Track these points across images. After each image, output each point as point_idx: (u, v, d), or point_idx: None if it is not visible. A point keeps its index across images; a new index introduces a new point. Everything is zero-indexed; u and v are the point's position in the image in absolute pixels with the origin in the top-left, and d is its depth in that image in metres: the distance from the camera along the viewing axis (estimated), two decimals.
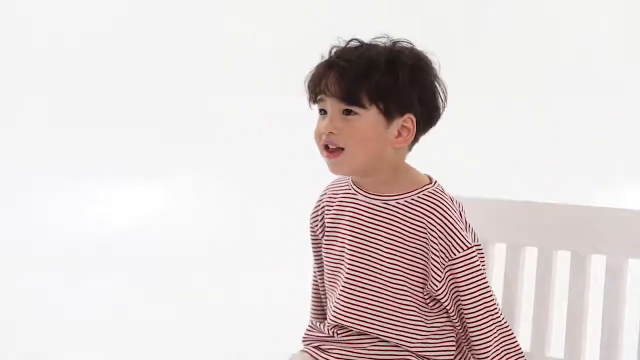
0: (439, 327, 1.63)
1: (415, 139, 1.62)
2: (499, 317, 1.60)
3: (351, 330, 1.64)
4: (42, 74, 4.23)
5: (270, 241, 4.01)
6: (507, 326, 1.62)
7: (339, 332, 1.65)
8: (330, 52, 1.61)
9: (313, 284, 1.82)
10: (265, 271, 3.85)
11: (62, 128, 4.23)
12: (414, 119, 1.58)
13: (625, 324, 1.69)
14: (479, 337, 1.60)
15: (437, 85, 1.62)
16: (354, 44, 1.61)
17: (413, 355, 1.62)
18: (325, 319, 1.73)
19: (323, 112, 1.61)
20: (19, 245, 3.93)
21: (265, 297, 3.67)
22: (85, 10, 4.31)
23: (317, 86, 1.60)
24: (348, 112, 1.57)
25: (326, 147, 1.59)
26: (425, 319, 1.62)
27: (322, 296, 1.79)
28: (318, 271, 1.78)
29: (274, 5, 4.44)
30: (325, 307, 1.78)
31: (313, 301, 1.83)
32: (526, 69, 4.58)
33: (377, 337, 1.63)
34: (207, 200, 4.28)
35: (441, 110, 1.63)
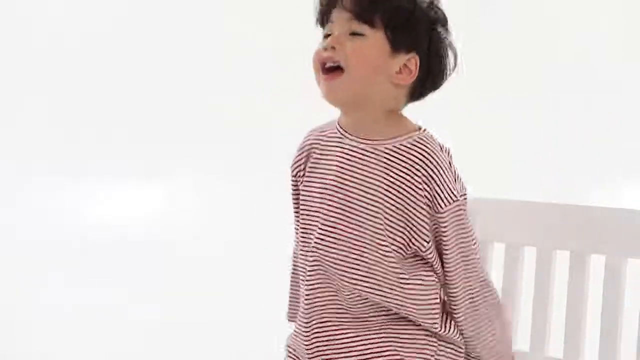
0: (421, 282, 1.54)
1: (415, 93, 1.57)
2: (480, 276, 1.57)
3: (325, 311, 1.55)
4: (42, 73, 4.23)
5: (270, 241, 4.01)
6: (488, 285, 1.59)
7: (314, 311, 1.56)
8: None
9: (293, 269, 1.71)
10: (265, 271, 3.85)
11: (61, 128, 4.23)
12: (418, 62, 1.54)
13: (624, 324, 1.70)
14: (453, 290, 1.56)
15: (449, 45, 1.58)
16: None
17: (394, 317, 1.55)
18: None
19: (328, 37, 1.54)
20: (19, 245, 3.93)
21: (265, 297, 3.66)
22: (85, 10, 4.31)
23: (331, 1, 1.54)
24: (355, 34, 1.51)
25: (324, 68, 1.52)
26: (407, 272, 1.54)
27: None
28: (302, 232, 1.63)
29: (274, 5, 4.44)
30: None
31: (292, 284, 1.71)
32: (525, 68, 4.58)
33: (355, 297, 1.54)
34: (207, 200, 4.28)
35: (447, 73, 1.59)
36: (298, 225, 1.65)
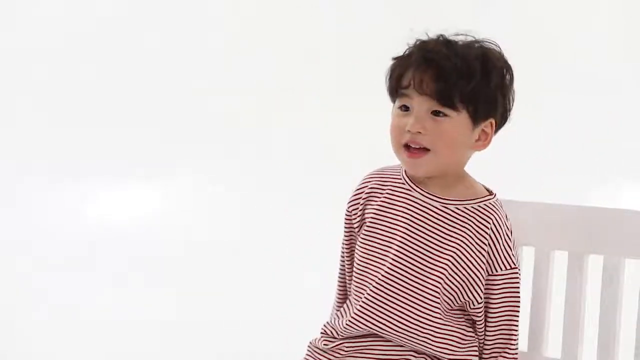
0: (462, 333, 1.60)
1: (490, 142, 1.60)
2: (513, 344, 1.61)
3: (367, 334, 1.60)
4: (40, 73, 4.24)
5: (270, 241, 4.01)
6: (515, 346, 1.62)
7: (353, 335, 1.61)
8: (415, 46, 1.55)
9: (340, 277, 1.74)
10: (265, 271, 3.85)
11: (61, 128, 4.23)
12: (494, 124, 1.57)
13: (622, 324, 1.70)
14: (491, 339, 1.60)
15: (513, 90, 1.60)
16: (442, 40, 1.55)
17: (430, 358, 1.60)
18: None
19: (404, 108, 1.54)
20: (17, 246, 3.93)
21: (265, 297, 3.67)
22: (85, 10, 4.31)
23: (408, 80, 1.53)
24: (437, 113, 1.52)
25: (407, 147, 1.54)
26: (451, 326, 1.59)
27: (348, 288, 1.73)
28: (348, 263, 1.69)
29: (274, 5, 4.44)
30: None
31: (339, 293, 1.75)
32: (524, 68, 4.56)
33: (395, 343, 1.59)
34: (207, 200, 4.28)
35: (511, 112, 1.60)
36: (347, 254, 1.70)
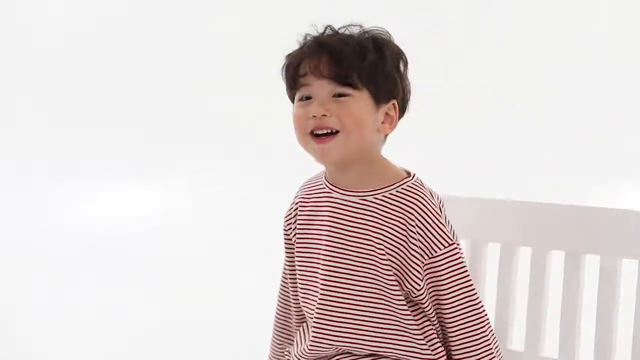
0: (422, 332, 1.53)
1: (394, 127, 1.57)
2: (483, 322, 1.52)
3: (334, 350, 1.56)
4: (40, 73, 4.24)
5: (270, 241, 4.01)
6: (491, 333, 1.54)
7: (321, 357, 1.56)
8: (305, 39, 1.55)
9: (280, 300, 1.72)
10: (265, 271, 3.85)
11: (61, 128, 4.23)
12: (397, 106, 1.54)
13: (619, 324, 1.70)
14: (459, 341, 1.52)
15: (408, 80, 1.58)
16: (329, 31, 1.56)
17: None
18: (290, 337, 1.67)
19: (306, 98, 1.52)
20: (17, 245, 3.94)
21: (265, 297, 3.66)
22: (85, 10, 4.31)
23: (303, 67, 1.52)
24: (339, 95, 1.50)
25: (313, 135, 1.51)
26: (406, 326, 1.53)
27: (290, 309, 1.69)
28: (292, 283, 1.66)
29: (274, 5, 4.44)
30: (290, 325, 1.70)
31: (278, 318, 1.72)
32: (523, 69, 4.58)
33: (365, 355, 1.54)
34: (207, 200, 4.28)
35: (408, 100, 1.59)
36: (289, 272, 1.66)
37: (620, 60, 4.71)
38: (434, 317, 1.54)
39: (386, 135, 1.58)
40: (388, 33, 1.58)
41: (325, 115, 1.49)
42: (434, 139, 4.12)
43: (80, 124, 4.26)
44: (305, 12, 4.50)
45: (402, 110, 1.57)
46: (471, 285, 1.53)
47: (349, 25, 1.57)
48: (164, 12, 4.38)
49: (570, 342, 1.74)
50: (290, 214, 1.64)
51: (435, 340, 1.54)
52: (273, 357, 1.74)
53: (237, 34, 4.42)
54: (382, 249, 1.51)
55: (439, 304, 1.52)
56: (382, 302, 1.52)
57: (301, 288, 1.60)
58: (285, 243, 1.67)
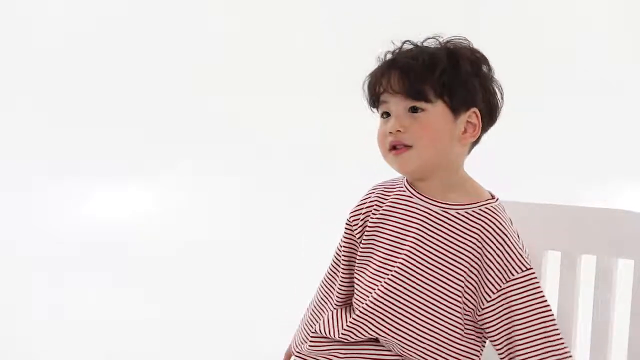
0: (465, 351, 1.54)
1: (478, 139, 1.58)
2: (561, 349, 1.50)
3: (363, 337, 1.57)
4: (40, 73, 4.24)
5: (270, 241, 4.01)
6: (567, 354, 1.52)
7: (351, 339, 1.57)
8: (385, 56, 1.57)
9: (327, 280, 1.71)
10: (265, 271, 3.86)
11: (57, 128, 4.24)
12: (479, 114, 1.54)
13: (615, 324, 1.70)
14: None
15: (495, 81, 1.58)
16: (408, 45, 1.57)
17: None
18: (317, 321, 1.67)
19: (386, 114, 1.55)
20: (17, 245, 3.94)
21: (265, 297, 3.67)
22: (85, 10, 4.31)
23: (379, 86, 1.54)
24: (414, 110, 1.52)
25: (392, 148, 1.53)
26: (454, 342, 1.54)
27: (329, 300, 1.70)
28: (345, 274, 1.66)
29: (275, 5, 4.44)
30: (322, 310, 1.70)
31: (322, 295, 1.72)
32: (521, 69, 4.57)
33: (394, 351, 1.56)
34: (207, 200, 4.29)
35: (501, 105, 1.58)
36: (344, 266, 1.66)
37: (620, 61, 4.70)
38: (498, 343, 1.52)
39: (473, 145, 1.58)
40: (467, 40, 1.57)
41: (399, 130, 1.52)
42: None
43: (80, 124, 4.26)
44: (305, 12, 4.52)
45: (490, 115, 1.57)
46: (550, 311, 1.52)
47: (427, 39, 1.57)
48: (164, 12, 4.38)
49: (567, 342, 1.73)
50: (359, 211, 1.65)
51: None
52: (301, 333, 1.74)
53: (237, 34, 4.42)
54: (454, 265, 1.52)
55: (513, 331, 1.51)
56: (436, 312, 1.53)
57: (359, 279, 1.61)
58: (346, 238, 1.66)
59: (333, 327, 1.61)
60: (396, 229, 1.58)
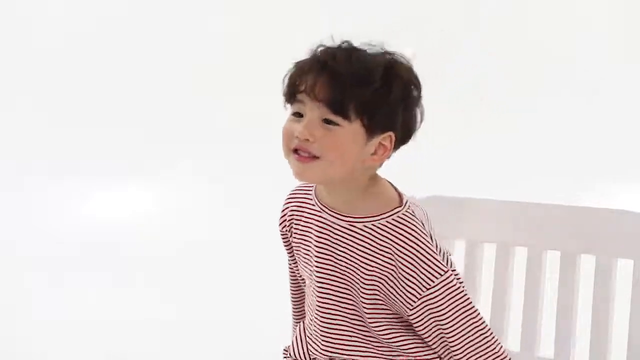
0: (410, 347, 1.52)
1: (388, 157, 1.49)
2: (490, 342, 1.48)
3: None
4: (40, 73, 4.25)
5: (270, 241, 4.01)
6: (500, 346, 1.50)
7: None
8: (316, 51, 1.47)
9: (292, 282, 1.70)
10: (264, 271, 3.86)
11: (57, 128, 4.24)
12: (393, 138, 1.46)
13: (614, 324, 1.70)
14: None
15: (420, 105, 1.49)
16: (345, 46, 1.46)
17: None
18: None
19: (298, 115, 1.45)
20: (17, 245, 3.94)
21: (264, 297, 3.67)
22: (85, 10, 4.32)
23: (302, 85, 1.44)
24: (328, 122, 1.42)
25: (295, 151, 1.44)
26: (404, 338, 1.52)
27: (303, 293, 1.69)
28: (296, 268, 1.64)
29: (274, 5, 4.45)
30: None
31: (294, 308, 1.72)
32: (519, 70, 4.57)
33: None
34: (207, 200, 4.29)
35: (417, 131, 1.50)
36: (296, 268, 1.65)
37: (620, 61, 4.70)
38: (435, 345, 1.51)
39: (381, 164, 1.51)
40: (409, 62, 1.49)
41: (307, 140, 1.43)
42: (431, 140, 4.12)
43: (79, 123, 4.26)
44: (304, 13, 4.52)
45: (404, 139, 1.49)
46: (472, 308, 1.48)
47: (369, 44, 1.47)
48: (164, 12, 4.38)
49: (566, 342, 1.74)
50: (284, 218, 1.62)
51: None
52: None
53: (237, 34, 4.42)
54: (368, 279, 1.48)
55: (442, 333, 1.49)
56: (361, 325, 1.52)
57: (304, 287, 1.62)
58: (284, 244, 1.65)
59: (299, 348, 1.61)
60: (310, 244, 1.53)
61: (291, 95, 1.46)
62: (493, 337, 1.49)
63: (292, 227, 1.59)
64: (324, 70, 1.42)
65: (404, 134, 1.48)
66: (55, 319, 3.38)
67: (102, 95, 4.29)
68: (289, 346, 1.67)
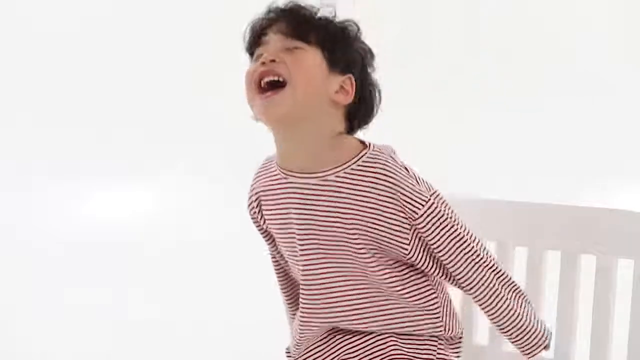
0: (416, 289, 1.53)
1: (350, 118, 1.51)
2: (485, 261, 1.50)
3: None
4: (40, 73, 4.24)
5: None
6: (498, 268, 1.52)
7: (312, 336, 1.57)
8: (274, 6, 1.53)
9: (278, 271, 1.70)
10: (264, 271, 3.85)
11: (57, 128, 4.24)
12: (354, 83, 1.48)
13: (614, 324, 1.70)
14: (476, 291, 1.51)
15: (373, 77, 1.54)
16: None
17: (395, 337, 1.54)
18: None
19: (261, 57, 1.49)
20: (17, 245, 3.94)
21: (264, 297, 3.67)
22: (84, 10, 4.31)
23: (264, 25, 1.50)
24: (293, 49, 1.47)
25: (261, 88, 1.46)
26: (393, 298, 1.52)
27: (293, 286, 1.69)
28: (279, 256, 1.66)
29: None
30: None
31: (285, 299, 1.72)
32: (518, 70, 4.58)
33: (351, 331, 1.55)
34: (207, 200, 4.29)
35: (377, 106, 1.54)
36: (278, 257, 1.66)
37: (620, 61, 4.71)
38: (440, 274, 1.52)
39: (345, 122, 1.51)
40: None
41: (274, 60, 1.45)
42: (432, 139, 4.13)
43: (79, 124, 4.26)
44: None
45: (363, 101, 1.51)
46: (461, 228, 1.49)
47: (321, 7, 1.55)
48: (164, 11, 4.38)
49: (567, 341, 1.74)
50: (251, 200, 1.62)
51: (435, 306, 1.54)
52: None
53: (237, 34, 4.42)
54: (353, 227, 1.47)
55: (440, 259, 1.50)
56: (362, 278, 1.51)
57: (290, 270, 1.62)
58: (257, 229, 1.65)
59: (294, 332, 1.62)
60: (287, 216, 1.52)
61: (255, 40, 1.51)
62: (490, 259, 1.51)
63: (260, 208, 1.59)
64: (288, 8, 1.51)
65: (364, 95, 1.51)
66: (56, 319, 3.38)
67: (102, 95, 4.29)
68: (289, 346, 1.67)
